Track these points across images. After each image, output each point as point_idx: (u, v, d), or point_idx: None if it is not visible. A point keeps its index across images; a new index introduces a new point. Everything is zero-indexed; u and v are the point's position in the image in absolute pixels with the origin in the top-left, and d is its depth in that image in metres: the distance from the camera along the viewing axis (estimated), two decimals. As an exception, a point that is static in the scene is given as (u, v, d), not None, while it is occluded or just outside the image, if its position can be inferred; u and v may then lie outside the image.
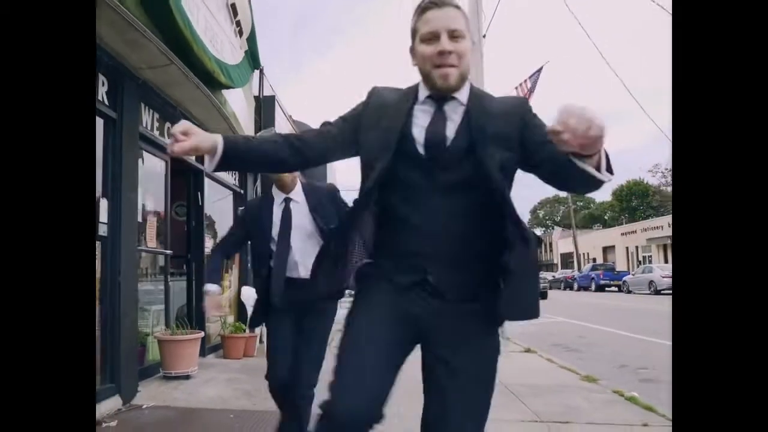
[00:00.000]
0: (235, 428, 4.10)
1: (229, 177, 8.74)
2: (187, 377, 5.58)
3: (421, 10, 1.75)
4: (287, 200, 3.08)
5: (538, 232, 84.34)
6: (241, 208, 3.22)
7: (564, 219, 70.72)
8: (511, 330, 10.24)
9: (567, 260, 57.32)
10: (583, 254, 52.35)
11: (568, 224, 59.52)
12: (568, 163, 1.51)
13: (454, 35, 1.68)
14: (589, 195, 56.50)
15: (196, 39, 4.80)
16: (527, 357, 7.98)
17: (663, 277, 25.77)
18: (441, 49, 1.67)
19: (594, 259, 48.82)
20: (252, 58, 6.95)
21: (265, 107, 10.06)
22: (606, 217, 70.04)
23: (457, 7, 1.77)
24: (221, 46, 5.60)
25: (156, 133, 5.63)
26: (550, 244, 68.48)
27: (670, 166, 28.92)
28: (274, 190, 3.13)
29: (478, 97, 1.80)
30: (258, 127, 9.49)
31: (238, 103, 7.48)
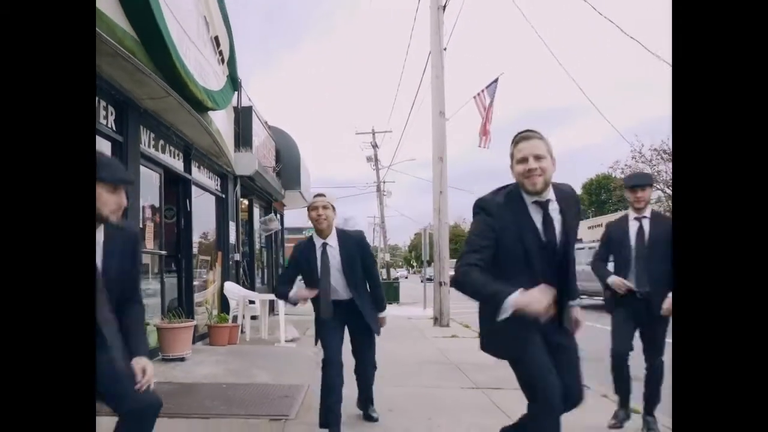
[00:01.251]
0: (227, 396, 5.07)
1: (212, 183, 9.63)
2: (182, 359, 6.53)
3: (514, 141, 2.56)
4: (324, 245, 3.98)
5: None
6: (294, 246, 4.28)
7: None
8: (471, 319, 11.31)
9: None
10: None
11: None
12: None
13: (537, 158, 2.47)
14: None
15: (188, 74, 5.73)
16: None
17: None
18: (529, 167, 2.46)
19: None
20: (232, 80, 7.86)
21: (243, 117, 10.97)
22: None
23: (540, 137, 2.53)
24: (207, 76, 6.53)
25: (152, 150, 6.56)
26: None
27: (629, 162, 30.06)
28: (315, 236, 4.02)
29: (558, 196, 2.58)
30: (237, 137, 10.42)
31: (220, 116, 8.38)
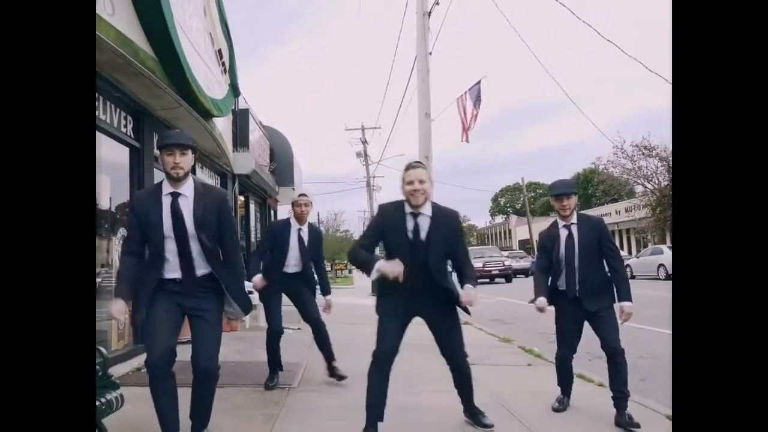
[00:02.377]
0: (237, 371, 5.79)
1: (213, 182, 10.30)
2: (192, 342, 7.23)
3: (405, 169, 3.66)
4: (299, 230, 5.34)
5: (500, 219, 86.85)
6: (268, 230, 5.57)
7: (524, 206, 73.06)
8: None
9: (525, 246, 59.65)
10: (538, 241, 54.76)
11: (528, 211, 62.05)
12: (459, 271, 3.81)
13: (421, 181, 3.57)
14: (548, 183, 56.45)
15: (198, 87, 6.42)
16: (464, 328, 9.81)
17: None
18: (415, 189, 3.56)
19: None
20: (233, 88, 8.54)
21: (240, 119, 11.66)
22: (564, 205, 72.18)
23: (423, 167, 3.64)
24: (212, 86, 7.22)
25: (164, 154, 7.26)
26: (509, 231, 70.88)
27: (611, 158, 30.91)
28: (292, 220, 5.35)
29: (435, 212, 3.66)
30: (235, 138, 11.10)
31: (221, 119, 9.05)
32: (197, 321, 3.51)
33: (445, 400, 4.40)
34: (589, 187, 65.72)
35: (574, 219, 4.17)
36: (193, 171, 8.62)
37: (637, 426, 3.76)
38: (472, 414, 3.99)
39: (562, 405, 4.41)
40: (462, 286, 3.68)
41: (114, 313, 3.40)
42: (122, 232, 6.12)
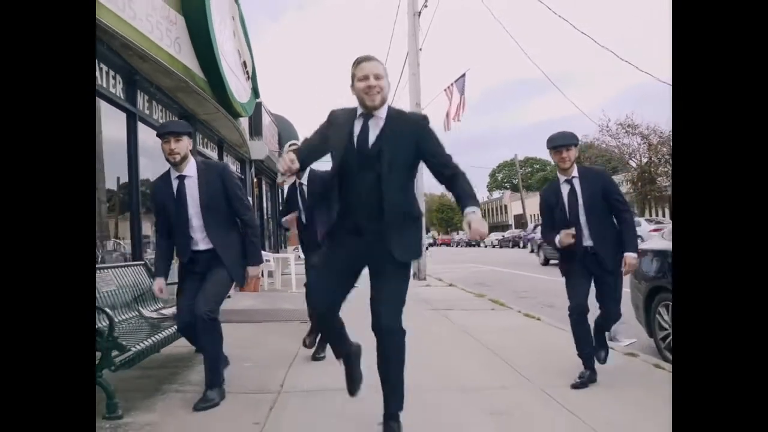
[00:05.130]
0: (267, 312, 7.67)
1: (235, 167, 12.12)
2: (228, 296, 9.13)
3: (356, 63, 2.71)
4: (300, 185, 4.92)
5: (497, 194, 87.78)
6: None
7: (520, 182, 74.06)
8: (447, 275, 14.10)
9: (520, 221, 61.14)
10: (532, 215, 56.36)
11: (525, 187, 63.57)
12: (453, 190, 2.73)
13: (377, 77, 2.66)
14: (545, 158, 55.83)
15: (232, 95, 8.22)
16: (449, 288, 11.71)
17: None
18: (369, 84, 2.63)
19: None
20: (254, 91, 10.33)
21: (255, 111, 13.41)
22: (560, 179, 73.04)
23: (378, 61, 2.71)
24: (240, 92, 9.01)
25: (206, 150, 9.10)
26: (504, 206, 72.58)
27: (597, 135, 32.46)
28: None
29: (392, 115, 2.73)
30: (251, 128, 12.89)
31: (241, 115, 10.89)
32: (206, 278, 3.63)
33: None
34: (583, 160, 66.75)
35: (575, 172, 3.82)
36: (221, 159, 10.49)
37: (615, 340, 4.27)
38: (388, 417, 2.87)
39: (583, 380, 3.69)
40: (462, 210, 2.70)
41: (156, 292, 3.76)
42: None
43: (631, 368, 4.14)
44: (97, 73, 5.43)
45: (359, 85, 2.67)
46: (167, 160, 3.61)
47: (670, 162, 28.53)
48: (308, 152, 2.81)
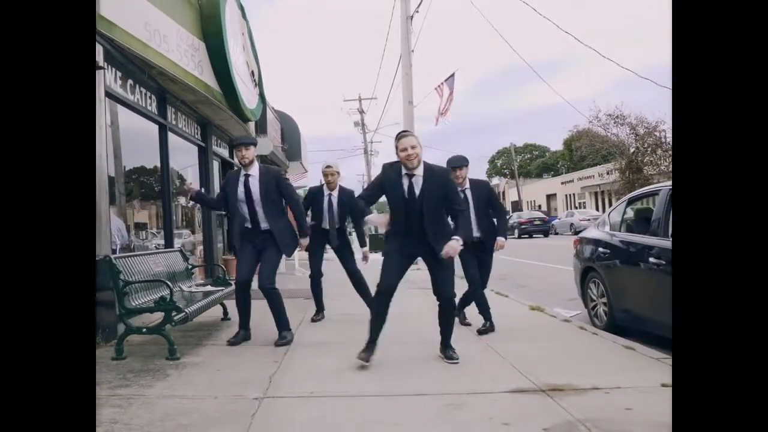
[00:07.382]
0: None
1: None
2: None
3: (398, 138, 4.14)
4: (329, 195, 6.14)
5: (496, 180, 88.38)
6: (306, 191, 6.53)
7: (520, 168, 73.14)
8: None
9: (517, 207, 61.90)
10: (529, 202, 57.25)
11: (524, 173, 63.98)
12: (454, 222, 4.27)
13: (413, 147, 4.04)
14: (544, 144, 56.79)
15: (243, 104, 9.45)
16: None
17: (581, 221, 30.32)
18: (408, 154, 4.03)
19: (539, 207, 53.00)
20: (261, 97, 11.56)
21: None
22: (559, 166, 73.04)
23: (414, 135, 4.12)
24: (250, 99, 10.24)
25: (218, 149, 10.37)
26: (502, 192, 73.46)
27: (587, 126, 33.38)
28: (324, 188, 6.13)
29: (427, 173, 4.13)
30: (256, 125, 14.12)
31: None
32: (263, 253, 5.00)
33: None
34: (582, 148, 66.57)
35: (467, 185, 5.40)
36: (232, 157, 11.73)
37: (469, 324, 5.82)
38: (445, 348, 4.44)
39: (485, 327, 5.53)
40: (451, 238, 4.12)
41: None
42: (182, 201, 9.24)
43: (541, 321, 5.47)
44: (138, 96, 6.68)
45: (402, 154, 4.09)
46: (239, 162, 4.97)
47: (657, 152, 29.59)
48: (370, 196, 4.35)
